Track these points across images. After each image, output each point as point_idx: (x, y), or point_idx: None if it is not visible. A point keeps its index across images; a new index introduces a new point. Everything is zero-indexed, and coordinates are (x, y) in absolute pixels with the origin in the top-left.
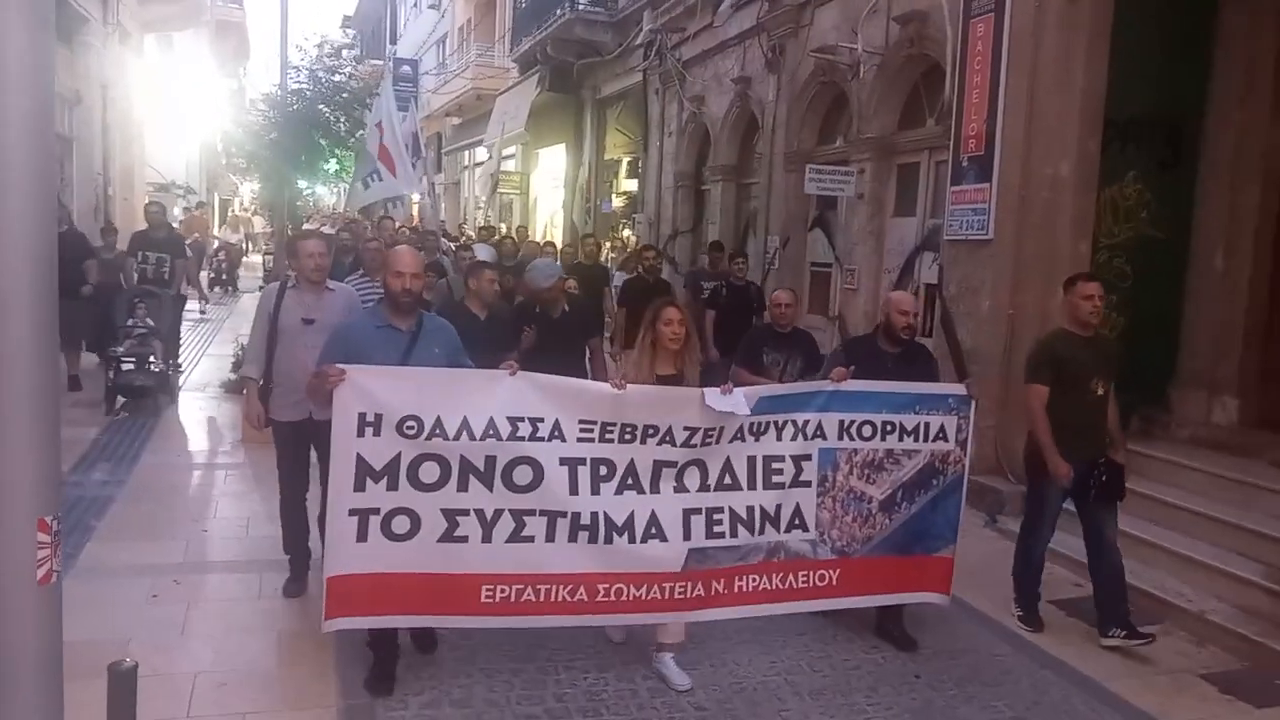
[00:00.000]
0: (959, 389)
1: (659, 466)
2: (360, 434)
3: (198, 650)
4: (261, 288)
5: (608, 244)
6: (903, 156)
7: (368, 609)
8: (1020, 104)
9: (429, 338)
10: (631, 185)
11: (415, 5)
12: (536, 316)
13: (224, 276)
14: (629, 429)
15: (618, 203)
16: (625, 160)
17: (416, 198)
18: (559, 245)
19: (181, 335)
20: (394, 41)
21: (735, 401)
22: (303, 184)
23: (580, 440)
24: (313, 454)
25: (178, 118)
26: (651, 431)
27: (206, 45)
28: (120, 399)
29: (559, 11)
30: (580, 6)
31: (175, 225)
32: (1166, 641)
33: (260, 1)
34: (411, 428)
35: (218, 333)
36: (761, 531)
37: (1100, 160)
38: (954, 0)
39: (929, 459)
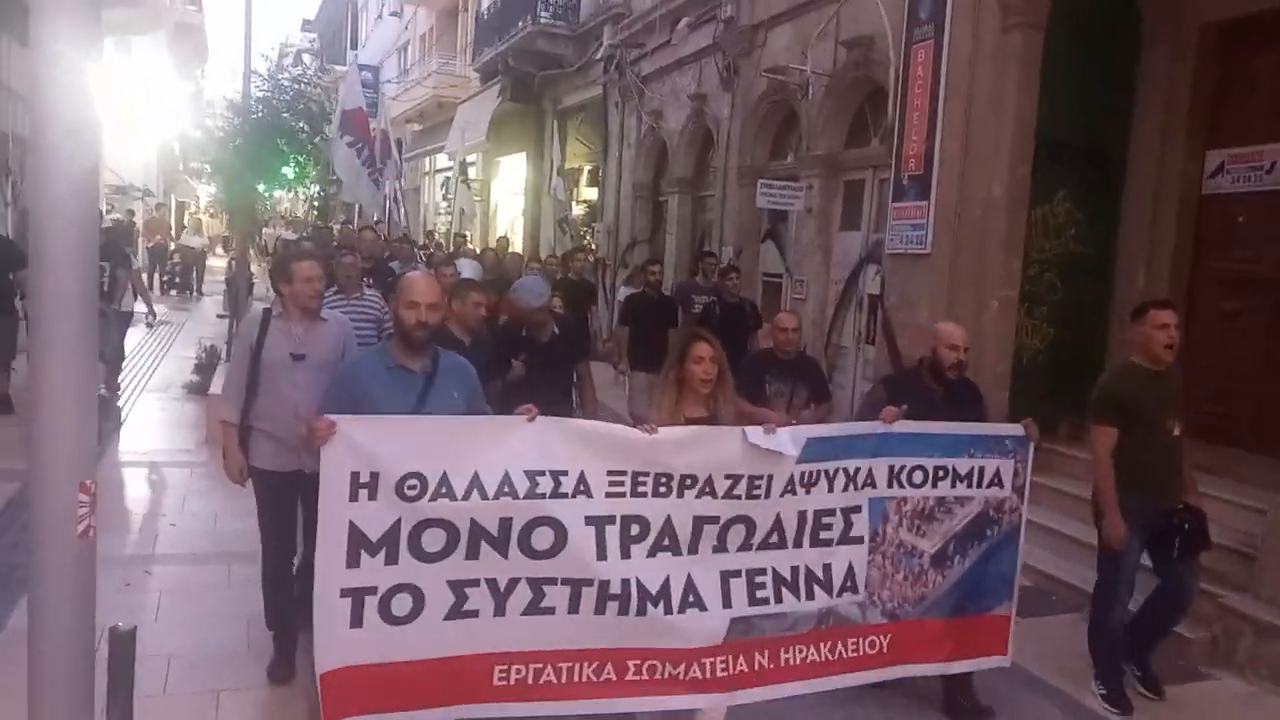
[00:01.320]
0: (1016, 429)
1: (699, 524)
2: (354, 498)
3: (171, 634)
4: (225, 291)
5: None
6: (849, 173)
7: (371, 705)
8: (957, 127)
9: (446, 379)
10: (592, 194)
11: (379, 14)
12: (523, 341)
13: (177, 280)
14: (664, 480)
15: (578, 211)
16: (586, 169)
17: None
18: (523, 253)
19: (125, 354)
20: (355, 47)
21: (780, 441)
22: (261, 188)
23: (609, 495)
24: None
25: (136, 120)
26: (689, 482)
27: (165, 47)
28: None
29: (521, 24)
30: (542, 19)
31: (132, 225)
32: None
33: (219, 3)
34: (414, 488)
35: (178, 335)
36: (810, 596)
37: (1032, 180)
38: (897, 26)
39: (983, 507)
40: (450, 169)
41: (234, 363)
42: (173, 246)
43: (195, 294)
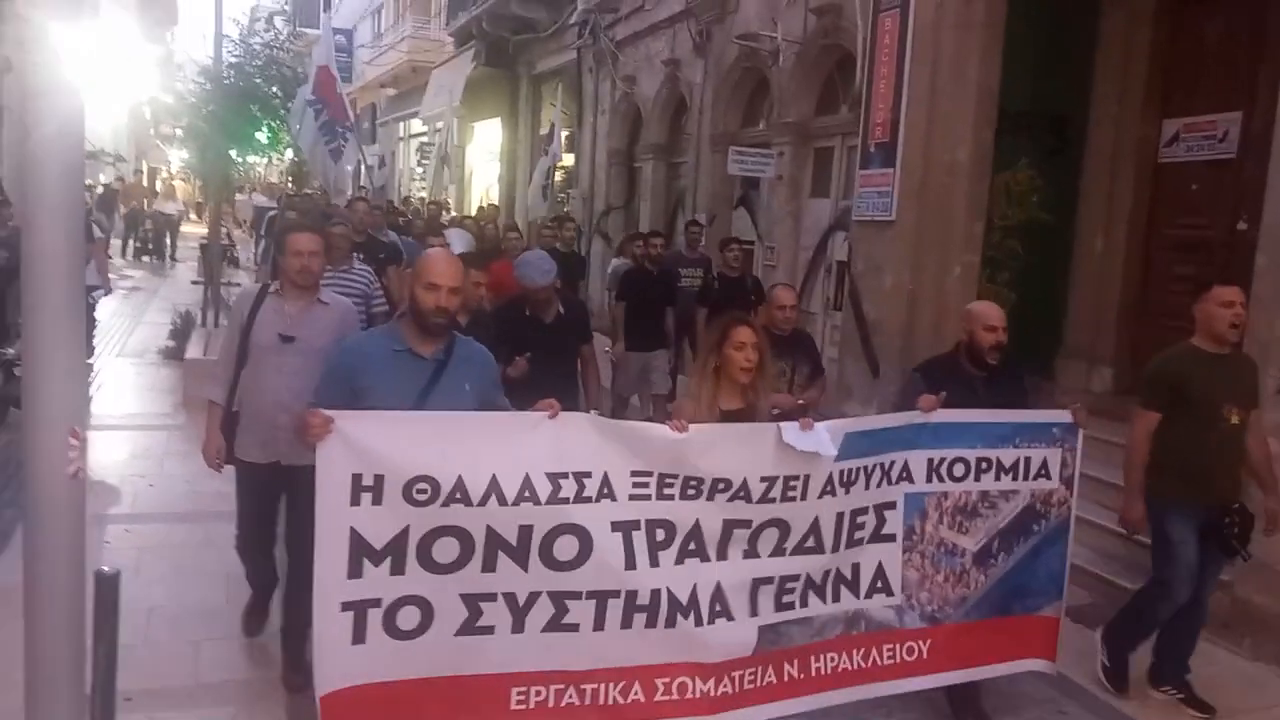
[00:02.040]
0: (1064, 416)
1: (729, 528)
2: (355, 502)
3: (150, 589)
4: (201, 257)
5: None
6: (819, 141)
7: None
8: (922, 95)
9: (459, 369)
10: (569, 160)
11: None
12: (527, 322)
13: (150, 246)
14: (693, 482)
15: (554, 177)
16: (563, 135)
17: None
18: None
19: (94, 336)
20: (328, 9)
21: (819, 440)
22: (234, 153)
23: (633, 498)
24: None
25: (106, 85)
26: (722, 486)
27: (134, 10)
28: (14, 409)
29: None
30: None
31: (116, 191)
32: None
33: None
34: (424, 491)
35: (152, 301)
36: (836, 598)
37: (994, 148)
38: None
39: (1029, 501)
40: (425, 134)
41: (224, 339)
42: (147, 213)
43: (170, 261)
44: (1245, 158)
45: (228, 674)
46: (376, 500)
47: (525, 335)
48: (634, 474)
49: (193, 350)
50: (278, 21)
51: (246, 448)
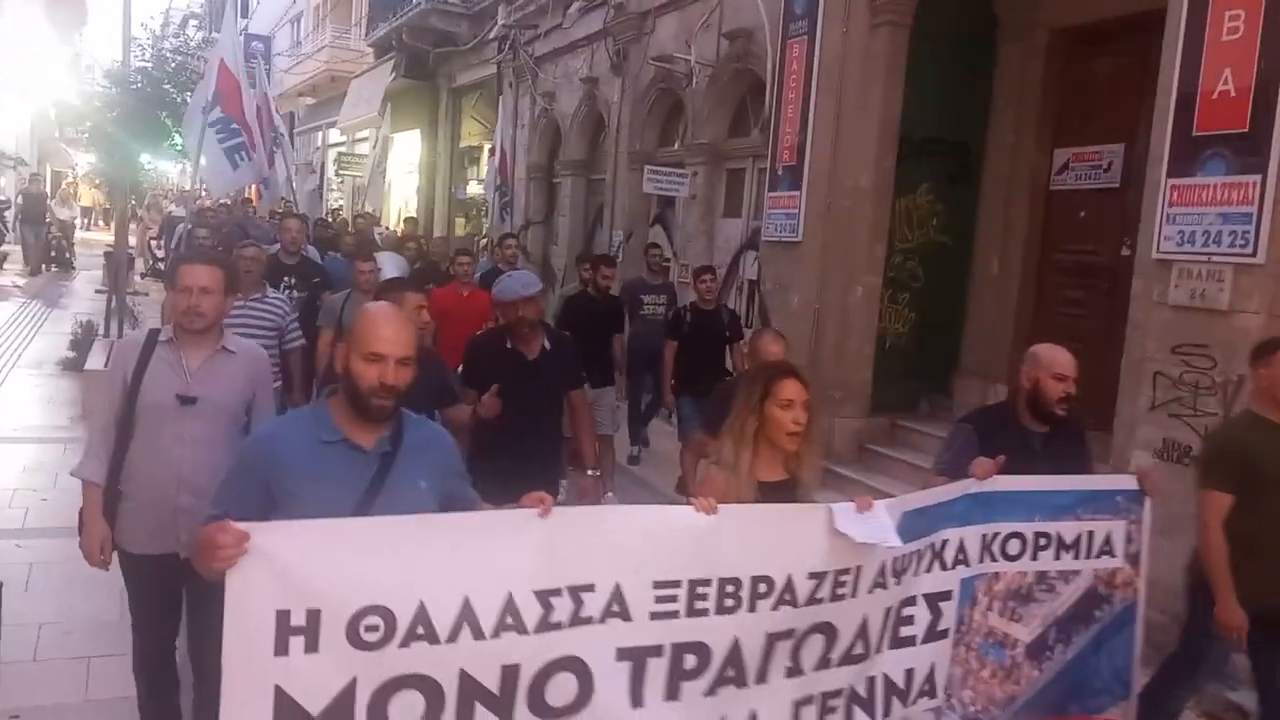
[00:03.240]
0: (1129, 482)
1: (772, 643)
2: (282, 650)
3: (41, 604)
4: (104, 266)
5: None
6: (731, 162)
7: None
8: (827, 121)
9: (411, 461)
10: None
11: None
12: (506, 357)
13: (53, 255)
14: (730, 587)
15: (473, 189)
16: (486, 146)
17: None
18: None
19: None
20: (245, 15)
21: (879, 526)
22: (145, 159)
23: (656, 616)
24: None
25: (8, 86)
26: (764, 589)
27: (41, 9)
28: None
29: (415, 0)
30: None
31: (43, 194)
32: None
33: None
34: (375, 629)
35: (52, 311)
36: (886, 712)
37: (896, 173)
38: (775, 21)
39: (1091, 582)
40: (343, 144)
41: (101, 401)
42: (48, 219)
43: (70, 268)
44: (1128, 187)
45: (119, 691)
46: (311, 646)
47: (503, 374)
48: (657, 585)
49: (93, 361)
50: (190, 27)
51: (134, 536)
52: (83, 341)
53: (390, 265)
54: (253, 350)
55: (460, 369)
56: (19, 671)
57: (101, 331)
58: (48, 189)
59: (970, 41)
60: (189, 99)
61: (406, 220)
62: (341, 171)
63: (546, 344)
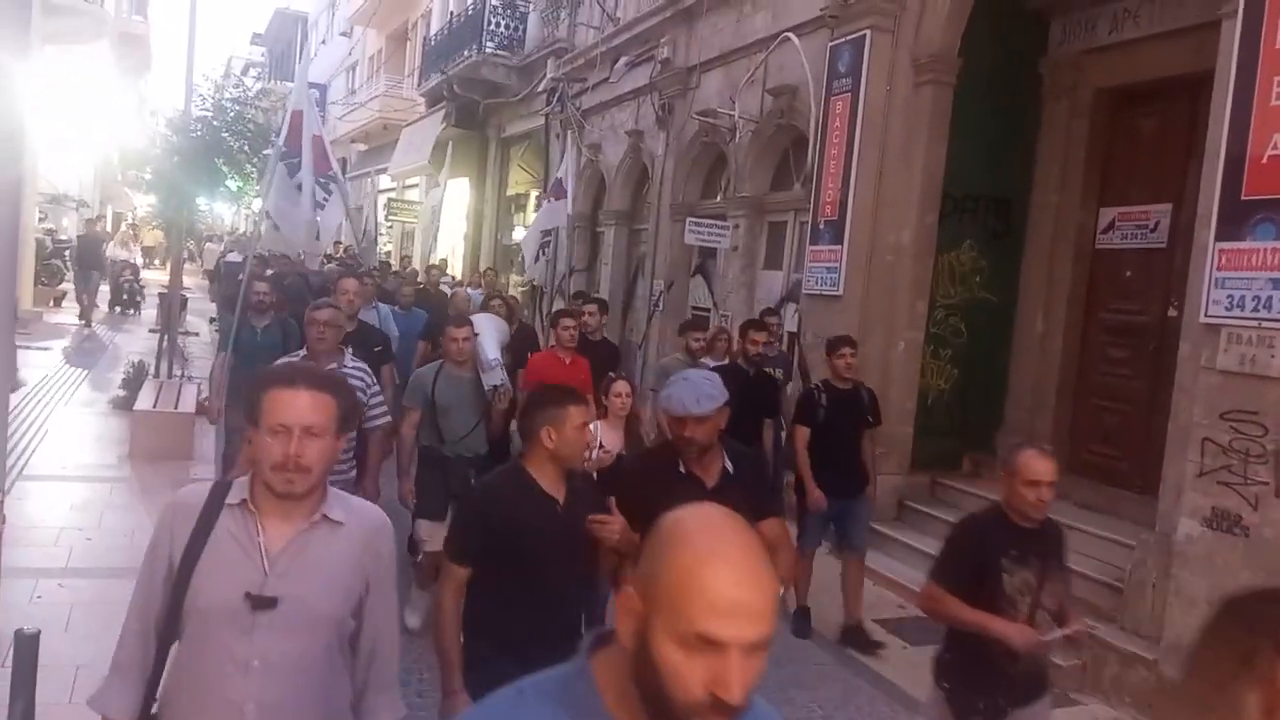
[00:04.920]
0: None
1: None
2: None
3: (80, 646)
4: (159, 306)
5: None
6: (773, 215)
7: None
8: (870, 177)
9: None
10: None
11: (328, 30)
12: (681, 483)
13: (125, 297)
14: None
15: (519, 236)
16: (534, 195)
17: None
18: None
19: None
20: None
21: None
22: (201, 201)
23: None
24: None
25: (74, 130)
26: None
27: (109, 57)
28: None
29: (467, 52)
30: (488, 49)
31: (102, 235)
32: None
33: (165, 12)
34: None
35: (105, 351)
36: None
37: (939, 229)
38: (819, 78)
39: None
40: (393, 190)
41: (137, 593)
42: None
43: (135, 311)
44: (1175, 247)
45: None
46: None
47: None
48: None
49: (143, 401)
50: (250, 75)
51: None
52: (134, 380)
53: (489, 331)
54: (369, 517)
55: (600, 477)
56: (55, 712)
57: (152, 371)
58: (109, 229)
59: (1014, 99)
60: (245, 147)
61: (485, 271)
62: (391, 217)
63: (728, 465)
